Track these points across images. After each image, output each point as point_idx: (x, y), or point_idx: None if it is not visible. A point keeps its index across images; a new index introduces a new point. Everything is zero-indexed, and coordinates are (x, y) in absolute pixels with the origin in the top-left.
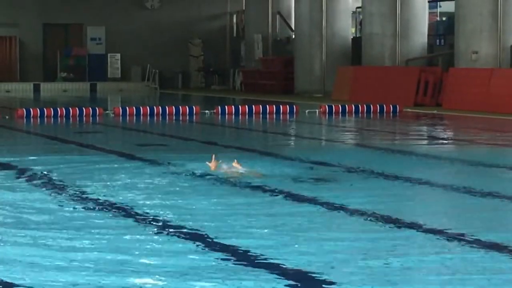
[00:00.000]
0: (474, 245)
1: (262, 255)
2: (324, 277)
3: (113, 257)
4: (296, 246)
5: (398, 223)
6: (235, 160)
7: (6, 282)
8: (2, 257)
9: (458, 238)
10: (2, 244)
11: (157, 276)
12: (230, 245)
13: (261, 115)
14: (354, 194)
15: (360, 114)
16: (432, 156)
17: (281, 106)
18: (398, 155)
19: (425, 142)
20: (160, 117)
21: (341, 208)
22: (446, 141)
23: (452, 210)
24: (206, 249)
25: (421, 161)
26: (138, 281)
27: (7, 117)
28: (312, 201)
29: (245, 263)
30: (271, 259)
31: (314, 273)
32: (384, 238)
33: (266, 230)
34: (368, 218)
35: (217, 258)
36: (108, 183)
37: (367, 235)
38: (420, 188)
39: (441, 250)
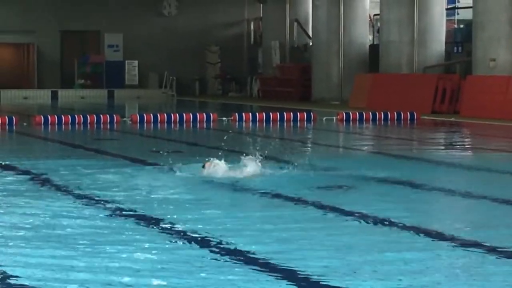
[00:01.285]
0: (495, 254)
1: (277, 260)
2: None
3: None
4: (313, 252)
5: (416, 231)
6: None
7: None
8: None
9: (479, 245)
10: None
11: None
12: (249, 251)
13: (278, 122)
14: (371, 201)
15: (377, 122)
16: (450, 164)
17: (298, 114)
18: (416, 162)
19: (443, 149)
20: (178, 124)
21: (358, 215)
22: (463, 149)
23: (472, 218)
24: (225, 257)
25: (439, 168)
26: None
27: (25, 124)
28: (327, 207)
29: (262, 269)
30: (285, 265)
31: (332, 281)
32: (402, 246)
33: (284, 236)
34: (387, 226)
35: (234, 264)
36: (124, 189)
37: (385, 243)
38: (439, 196)
39: (458, 256)
